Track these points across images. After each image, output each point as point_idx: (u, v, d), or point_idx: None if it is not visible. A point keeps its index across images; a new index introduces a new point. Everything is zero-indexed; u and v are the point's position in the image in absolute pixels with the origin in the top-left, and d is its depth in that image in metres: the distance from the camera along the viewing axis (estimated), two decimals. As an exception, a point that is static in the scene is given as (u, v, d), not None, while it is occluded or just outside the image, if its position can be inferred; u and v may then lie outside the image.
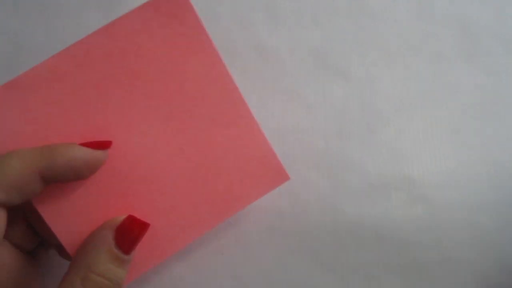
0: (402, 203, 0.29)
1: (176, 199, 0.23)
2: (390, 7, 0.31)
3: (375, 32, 0.31)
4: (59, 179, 0.20)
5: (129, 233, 0.21)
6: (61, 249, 0.24)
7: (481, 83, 0.31)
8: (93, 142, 0.21)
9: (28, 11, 0.31)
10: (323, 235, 0.29)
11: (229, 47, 0.30)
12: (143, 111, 0.23)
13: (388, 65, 0.31)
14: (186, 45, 0.23)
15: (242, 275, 0.28)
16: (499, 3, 0.32)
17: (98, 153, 0.21)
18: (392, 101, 0.30)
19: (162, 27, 0.22)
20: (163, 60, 0.23)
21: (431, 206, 0.29)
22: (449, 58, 0.31)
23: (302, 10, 0.31)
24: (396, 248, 0.28)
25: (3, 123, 0.21)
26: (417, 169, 0.29)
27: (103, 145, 0.22)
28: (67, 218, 0.22)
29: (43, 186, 0.20)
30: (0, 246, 0.21)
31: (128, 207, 0.23)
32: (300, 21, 0.31)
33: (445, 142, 0.30)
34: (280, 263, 0.28)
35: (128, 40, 0.22)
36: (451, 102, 0.30)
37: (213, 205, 0.24)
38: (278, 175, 0.25)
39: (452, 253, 0.28)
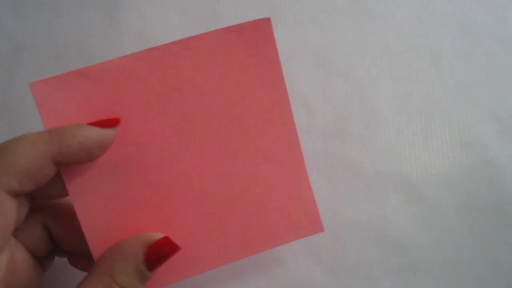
0: (401, 203, 0.29)
1: (208, 223, 0.23)
2: (390, 7, 0.31)
3: (375, 32, 0.31)
4: (72, 161, 0.20)
5: (161, 253, 0.21)
6: (73, 257, 0.24)
7: (481, 83, 0.31)
8: (102, 121, 0.21)
9: (28, 11, 0.31)
10: (323, 235, 0.28)
11: (229, 47, 0.30)
12: (200, 130, 0.23)
13: (388, 65, 0.31)
14: (258, 76, 0.23)
15: (242, 275, 0.28)
16: (499, 3, 0.32)
17: (108, 131, 0.21)
18: (392, 101, 0.30)
19: (240, 53, 0.23)
20: (232, 86, 0.23)
21: (430, 206, 0.29)
22: (449, 58, 0.31)
23: (302, 10, 0.31)
24: (396, 248, 0.28)
25: (62, 109, 0.21)
26: (416, 169, 0.29)
27: (112, 123, 0.21)
28: (99, 221, 0.22)
29: (55, 171, 0.20)
30: (15, 248, 0.21)
31: (161, 222, 0.22)
32: (300, 21, 0.31)
33: (445, 143, 0.30)
34: (281, 263, 0.28)
35: (205, 58, 0.22)
36: (451, 102, 0.30)
37: (243, 238, 0.23)
38: (313, 225, 0.24)
39: (451, 253, 0.28)
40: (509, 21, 0.32)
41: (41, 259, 0.23)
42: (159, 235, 0.21)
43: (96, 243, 0.22)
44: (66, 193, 0.21)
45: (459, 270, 0.28)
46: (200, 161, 0.23)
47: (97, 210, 0.22)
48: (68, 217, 0.22)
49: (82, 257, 0.24)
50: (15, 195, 0.19)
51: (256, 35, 0.22)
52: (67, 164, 0.20)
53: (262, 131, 0.23)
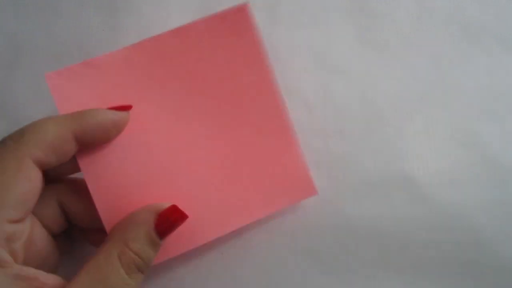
0: (402, 202, 0.29)
1: (210, 194, 0.25)
2: (390, 6, 0.31)
3: (375, 32, 0.31)
4: (91, 139, 0.22)
5: (170, 220, 0.22)
6: (90, 235, 0.26)
7: (481, 83, 0.31)
8: (116, 106, 0.24)
9: (27, 11, 0.31)
10: (323, 235, 0.29)
11: (229, 47, 0.30)
12: (197, 109, 0.25)
13: (388, 65, 0.31)
14: (242, 57, 0.25)
15: (242, 275, 0.28)
16: (499, 3, 0.32)
17: (123, 114, 0.24)
18: (392, 100, 0.30)
19: (224, 38, 0.25)
20: (221, 68, 0.25)
21: (431, 205, 0.29)
22: (449, 58, 0.31)
23: (302, 9, 0.31)
24: (396, 248, 0.28)
25: (74, 96, 0.24)
26: (417, 168, 0.29)
27: (125, 108, 0.24)
28: (111, 196, 0.24)
29: (76, 148, 0.22)
30: (33, 223, 0.22)
31: (167, 195, 0.25)
32: (300, 20, 0.31)
33: (445, 142, 0.30)
34: (280, 263, 0.28)
35: (195, 45, 0.25)
36: (451, 102, 0.30)
37: (243, 205, 0.26)
38: (306, 189, 0.27)
39: (452, 253, 0.28)
40: (509, 21, 0.32)
41: (58, 239, 0.24)
42: (167, 204, 0.23)
43: (108, 216, 0.23)
44: (77, 170, 0.24)
45: (460, 269, 0.28)
46: (199, 136, 0.25)
47: (108, 185, 0.24)
48: (82, 194, 0.24)
49: (98, 234, 0.25)
50: (40, 166, 0.21)
51: (236, 21, 0.25)
52: (87, 142, 0.22)
53: (250, 105, 0.26)
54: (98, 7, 0.31)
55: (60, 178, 0.25)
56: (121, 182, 0.24)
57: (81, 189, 0.24)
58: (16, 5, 0.31)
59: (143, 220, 0.22)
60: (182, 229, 0.23)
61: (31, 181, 0.20)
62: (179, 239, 0.24)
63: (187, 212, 0.23)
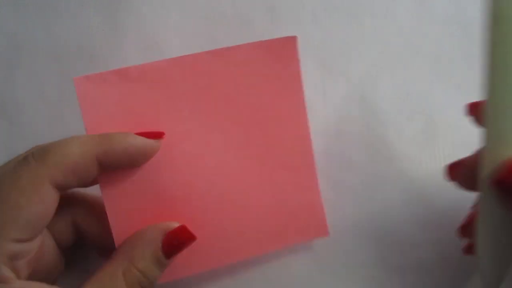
0: (402, 203, 0.29)
1: (225, 221, 0.25)
2: (390, 6, 0.31)
3: (375, 32, 0.31)
4: (115, 165, 0.22)
5: (177, 241, 0.22)
6: (101, 249, 0.25)
7: (480, 83, 0.31)
8: (147, 132, 0.23)
9: (27, 11, 0.31)
10: (323, 235, 0.29)
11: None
12: (224, 134, 0.24)
13: (388, 65, 0.31)
14: (281, 88, 0.25)
15: (242, 275, 0.28)
16: (499, 3, 0.32)
17: (152, 142, 0.22)
18: (392, 101, 0.30)
19: (266, 66, 0.25)
20: (256, 95, 0.25)
21: (431, 206, 0.29)
22: (449, 58, 0.31)
23: (302, 9, 0.31)
24: (396, 248, 0.28)
25: (100, 103, 0.23)
26: (416, 169, 0.29)
27: (157, 135, 0.23)
28: (126, 216, 0.23)
29: (98, 172, 0.21)
30: (45, 237, 0.22)
31: (181, 217, 0.24)
32: (300, 20, 0.31)
33: (445, 142, 0.30)
34: (281, 263, 0.28)
35: (234, 68, 0.24)
36: (451, 102, 0.30)
37: (256, 237, 0.25)
38: (320, 229, 0.26)
39: (451, 253, 0.28)
40: (509, 21, 0.32)
41: (64, 251, 0.24)
42: (176, 224, 0.23)
43: (121, 236, 0.23)
44: (94, 183, 0.23)
45: (459, 270, 0.28)
46: (221, 162, 0.24)
47: (124, 206, 0.23)
48: (97, 213, 0.24)
49: (108, 250, 0.25)
50: (58, 188, 0.20)
51: (282, 51, 0.25)
52: (110, 167, 0.21)
53: (280, 138, 0.25)
54: (98, 7, 0.31)
55: (75, 193, 0.25)
56: (137, 203, 0.23)
57: (96, 208, 0.24)
58: (16, 5, 0.31)
59: (150, 238, 0.22)
60: (190, 252, 0.23)
61: (44, 203, 0.20)
62: (187, 262, 0.24)
63: (198, 235, 0.23)
